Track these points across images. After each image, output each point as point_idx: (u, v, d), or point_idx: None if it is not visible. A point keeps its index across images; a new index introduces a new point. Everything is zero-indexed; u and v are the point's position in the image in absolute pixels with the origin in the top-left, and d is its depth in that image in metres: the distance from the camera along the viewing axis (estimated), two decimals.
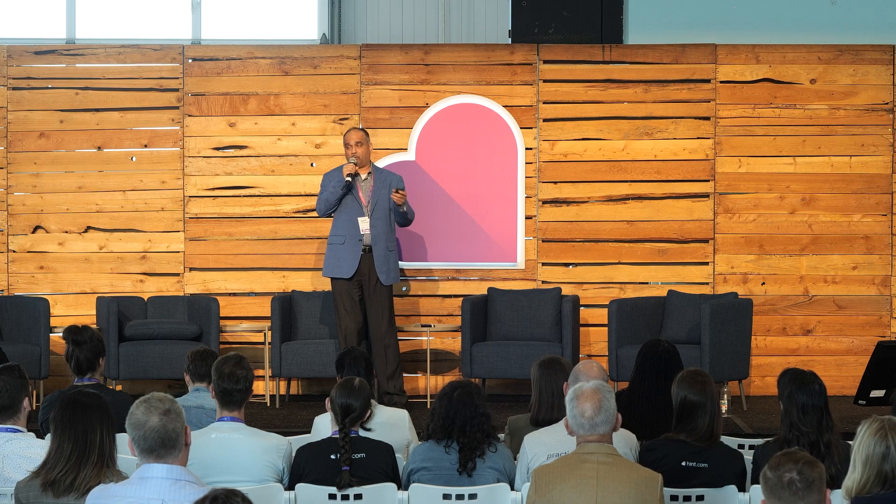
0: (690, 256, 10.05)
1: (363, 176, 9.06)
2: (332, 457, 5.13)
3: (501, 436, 5.74)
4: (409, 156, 10.05)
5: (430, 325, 9.77)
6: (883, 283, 10.02)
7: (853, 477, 4.03)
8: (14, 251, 10.07)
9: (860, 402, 8.36)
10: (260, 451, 5.20)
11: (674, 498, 4.95)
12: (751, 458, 5.33)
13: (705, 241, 10.05)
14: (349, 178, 8.93)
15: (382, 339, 9.02)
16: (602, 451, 4.40)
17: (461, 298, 9.60)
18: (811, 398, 5.16)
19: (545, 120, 10.07)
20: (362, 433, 5.31)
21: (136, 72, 10.13)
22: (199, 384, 6.10)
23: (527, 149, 10.04)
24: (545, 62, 10.09)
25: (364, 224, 8.96)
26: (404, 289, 10.02)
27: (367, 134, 9.14)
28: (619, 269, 10.05)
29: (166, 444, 3.94)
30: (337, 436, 5.20)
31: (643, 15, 10.35)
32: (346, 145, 9.05)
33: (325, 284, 9.98)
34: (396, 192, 8.88)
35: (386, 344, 9.02)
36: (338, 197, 8.97)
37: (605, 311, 9.46)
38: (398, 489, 5.10)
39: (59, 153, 10.13)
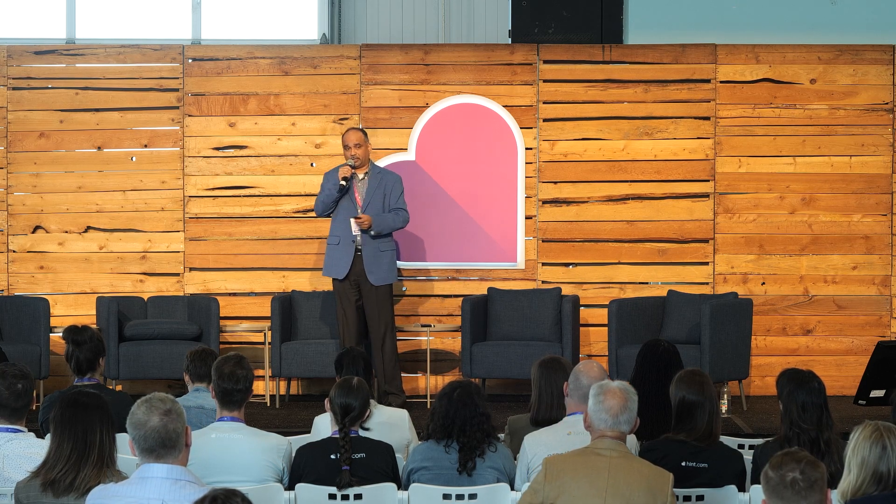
0: (690, 256, 10.05)
1: (360, 176, 9.06)
2: (332, 457, 5.13)
3: (501, 436, 5.74)
4: (409, 156, 10.05)
5: (430, 325, 9.76)
6: (883, 283, 10.02)
7: (848, 479, 4.03)
8: (14, 251, 10.07)
9: (860, 402, 8.36)
10: (260, 451, 5.20)
11: None
12: (751, 458, 5.33)
13: (705, 241, 10.05)
14: (344, 182, 8.94)
15: (379, 340, 9.04)
16: (616, 447, 4.47)
17: (461, 298, 9.60)
18: (811, 396, 5.18)
19: (545, 120, 10.07)
20: (361, 433, 5.31)
21: (136, 72, 10.13)
22: (199, 384, 6.10)
23: (527, 149, 10.04)
24: (545, 62, 10.09)
25: (356, 225, 8.97)
26: (404, 288, 10.02)
27: (365, 134, 9.15)
28: (619, 269, 10.05)
29: (166, 445, 3.94)
30: (337, 436, 5.20)
31: (643, 15, 10.35)
32: (346, 146, 9.06)
33: (326, 284, 9.99)
34: (356, 218, 8.90)
35: (383, 344, 9.03)
36: (334, 199, 8.99)
37: (605, 311, 9.46)
38: (398, 489, 5.10)
39: (59, 153, 10.13)
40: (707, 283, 10.00)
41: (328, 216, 9.13)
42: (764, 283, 10.02)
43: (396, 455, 5.35)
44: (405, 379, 9.63)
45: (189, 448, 4.02)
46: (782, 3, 10.33)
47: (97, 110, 10.11)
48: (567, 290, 9.80)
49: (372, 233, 8.93)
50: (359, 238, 8.98)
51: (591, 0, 10.22)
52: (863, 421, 4.11)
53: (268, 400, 9.44)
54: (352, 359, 6.22)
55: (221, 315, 9.54)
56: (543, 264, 10.05)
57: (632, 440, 5.38)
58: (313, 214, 9.90)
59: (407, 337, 9.95)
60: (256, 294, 10.07)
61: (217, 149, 10.11)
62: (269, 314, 9.55)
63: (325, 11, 10.50)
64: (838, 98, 10.04)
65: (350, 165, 8.99)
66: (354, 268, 8.99)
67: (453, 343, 9.96)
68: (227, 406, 5.29)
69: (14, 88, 10.09)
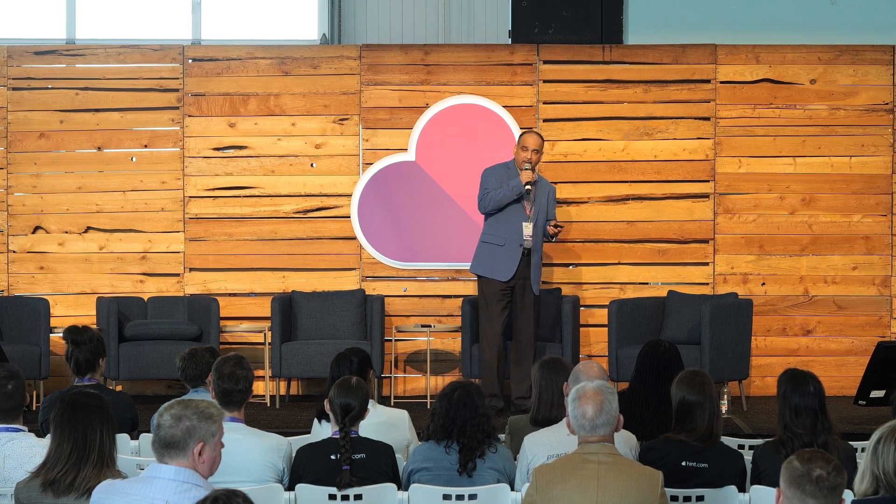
0: (690, 257, 10.05)
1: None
2: (332, 457, 5.13)
3: (501, 436, 5.74)
4: (409, 156, 10.05)
5: (430, 325, 9.76)
6: (883, 284, 10.02)
7: (866, 476, 4.00)
8: (14, 251, 10.07)
9: (860, 402, 8.35)
10: (260, 452, 5.20)
11: (674, 498, 4.95)
12: (751, 458, 5.32)
13: (705, 241, 10.05)
14: (529, 188, 8.77)
15: (526, 347, 8.90)
16: (603, 451, 4.41)
17: (461, 298, 9.60)
18: (804, 399, 5.14)
19: (545, 120, 10.07)
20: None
21: (136, 72, 10.13)
22: (198, 386, 6.10)
23: None
24: (545, 62, 10.09)
25: (528, 230, 8.83)
26: (404, 289, 10.02)
27: (543, 141, 9.02)
28: (619, 269, 10.05)
29: (162, 446, 3.97)
30: (337, 436, 5.19)
31: (643, 15, 10.35)
32: (523, 147, 8.85)
33: (325, 285, 9.97)
34: (555, 226, 8.83)
35: (525, 352, 8.88)
36: (510, 201, 8.81)
37: (605, 311, 9.46)
38: (398, 489, 5.10)
39: (59, 153, 10.13)
40: (707, 284, 10.00)
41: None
42: (764, 284, 10.02)
43: (396, 455, 5.35)
44: (406, 380, 9.64)
45: (204, 459, 3.98)
46: (782, 3, 10.33)
47: (97, 110, 10.11)
48: (567, 291, 9.80)
49: (554, 240, 8.96)
50: (527, 243, 8.85)
51: (591, 0, 10.23)
52: (871, 418, 4.09)
53: (268, 400, 9.44)
54: (359, 361, 6.04)
55: (221, 315, 9.54)
56: (543, 264, 10.03)
57: (632, 440, 5.38)
58: (313, 215, 9.90)
59: (407, 337, 9.96)
60: (256, 294, 10.07)
61: (217, 149, 10.11)
62: (269, 314, 9.55)
63: (325, 11, 10.50)
64: (838, 98, 10.04)
65: (529, 170, 8.79)
66: (518, 272, 8.85)
67: (453, 343, 9.96)
68: (228, 406, 5.29)
69: (14, 88, 10.09)
